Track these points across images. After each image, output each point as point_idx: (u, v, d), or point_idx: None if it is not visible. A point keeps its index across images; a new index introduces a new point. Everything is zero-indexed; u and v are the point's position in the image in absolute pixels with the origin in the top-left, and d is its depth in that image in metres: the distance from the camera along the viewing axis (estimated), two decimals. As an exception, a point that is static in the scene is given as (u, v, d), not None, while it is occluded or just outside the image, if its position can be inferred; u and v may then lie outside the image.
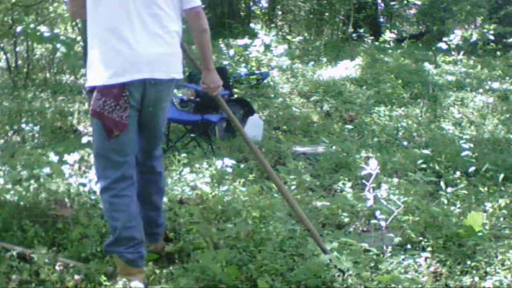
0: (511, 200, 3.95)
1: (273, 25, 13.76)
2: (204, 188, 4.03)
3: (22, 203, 3.52)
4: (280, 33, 12.30)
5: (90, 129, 5.63)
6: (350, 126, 6.69)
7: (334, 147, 5.60)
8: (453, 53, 10.23)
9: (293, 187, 4.33)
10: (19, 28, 3.78)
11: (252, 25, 11.65)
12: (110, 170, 2.67)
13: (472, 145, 4.76)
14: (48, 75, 8.76)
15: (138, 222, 2.70)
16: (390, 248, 3.17)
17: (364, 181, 3.50)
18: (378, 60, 10.03)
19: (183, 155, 4.83)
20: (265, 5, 15.65)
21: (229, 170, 4.39)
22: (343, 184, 4.39)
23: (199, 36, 2.70)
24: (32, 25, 4.40)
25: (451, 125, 6.68)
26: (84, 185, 3.83)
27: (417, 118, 7.01)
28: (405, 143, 5.98)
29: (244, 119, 6.31)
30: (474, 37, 10.02)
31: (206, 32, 2.71)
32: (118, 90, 2.54)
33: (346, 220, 3.72)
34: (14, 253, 2.93)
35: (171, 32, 2.61)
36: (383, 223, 3.26)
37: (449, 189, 3.95)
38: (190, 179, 4.24)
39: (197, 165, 4.58)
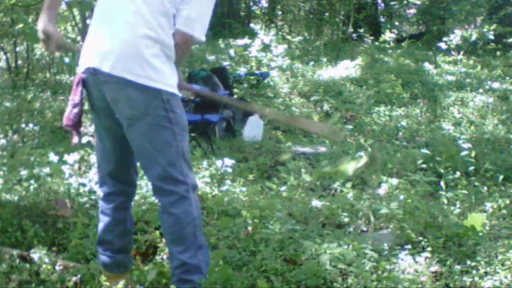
0: (511, 200, 3.95)
1: (273, 25, 13.77)
2: (204, 188, 4.03)
3: (22, 203, 3.52)
4: (280, 33, 12.30)
5: (90, 129, 5.63)
6: (350, 126, 6.70)
7: (334, 147, 5.60)
8: (453, 53, 10.24)
9: (293, 187, 4.33)
10: (17, 27, 3.77)
11: (252, 25, 11.66)
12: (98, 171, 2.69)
13: (472, 145, 4.77)
14: (48, 75, 8.76)
15: (118, 228, 2.65)
16: (390, 248, 3.17)
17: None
18: (378, 60, 10.03)
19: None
20: (265, 5, 15.66)
21: (229, 170, 4.39)
22: (343, 184, 4.39)
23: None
24: (31, 25, 4.40)
25: (451, 125, 6.68)
26: (84, 185, 3.83)
27: (417, 118, 7.02)
28: (405, 143, 5.98)
29: (244, 119, 6.32)
30: (474, 37, 10.03)
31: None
32: (76, 82, 2.45)
33: (346, 220, 3.72)
34: (14, 253, 2.93)
35: (138, 34, 2.35)
36: (383, 223, 3.27)
37: (449, 189, 3.95)
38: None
39: (197, 165, 4.57)
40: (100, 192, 2.71)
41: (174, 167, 2.41)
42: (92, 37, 2.48)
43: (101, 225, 2.68)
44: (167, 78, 2.41)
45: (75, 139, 2.53)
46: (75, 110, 2.45)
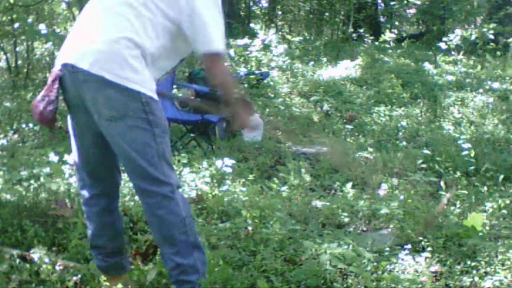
0: (511, 200, 3.95)
1: (273, 25, 13.77)
2: (204, 188, 4.03)
3: (22, 203, 3.52)
4: (280, 33, 12.30)
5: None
6: (350, 126, 6.69)
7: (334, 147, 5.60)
8: (453, 53, 10.24)
9: (293, 187, 4.33)
10: (17, 25, 3.77)
11: (252, 25, 11.66)
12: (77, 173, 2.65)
13: (472, 145, 4.77)
14: (48, 75, 8.75)
15: (107, 232, 2.61)
16: (390, 248, 3.17)
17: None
18: (378, 60, 10.03)
19: (183, 155, 4.83)
20: (265, 5, 15.65)
21: (229, 170, 4.39)
22: (343, 184, 4.39)
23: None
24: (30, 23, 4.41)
25: (451, 125, 6.68)
26: (84, 185, 3.82)
27: (417, 118, 7.02)
28: (405, 143, 5.98)
29: (244, 119, 6.31)
30: (474, 37, 10.03)
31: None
32: (52, 78, 2.40)
33: (346, 220, 3.72)
34: (14, 253, 2.93)
35: (120, 35, 2.32)
36: (383, 223, 3.27)
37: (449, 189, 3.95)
38: (190, 179, 4.23)
39: (197, 165, 4.57)
40: (81, 197, 2.65)
41: (156, 168, 2.38)
42: (74, 34, 2.45)
43: (89, 231, 2.64)
44: (146, 81, 2.36)
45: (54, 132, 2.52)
46: (50, 107, 2.39)
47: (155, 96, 2.40)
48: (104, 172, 2.56)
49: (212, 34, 2.39)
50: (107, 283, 2.65)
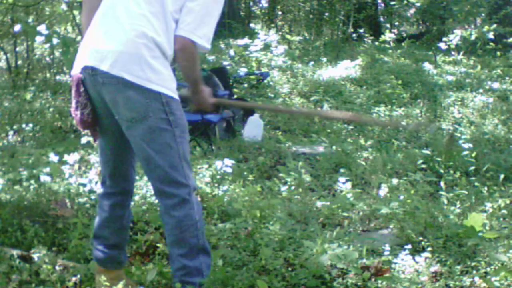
0: (511, 200, 3.95)
1: (273, 25, 13.77)
2: (204, 188, 4.03)
3: (22, 203, 3.52)
4: (280, 33, 12.30)
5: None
6: (350, 126, 6.69)
7: (334, 147, 5.60)
8: (453, 53, 10.24)
9: (293, 187, 4.33)
10: (17, 27, 3.78)
11: (252, 25, 11.66)
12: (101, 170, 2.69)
13: (472, 145, 4.77)
14: (48, 75, 8.76)
15: (114, 225, 2.64)
16: (390, 248, 3.17)
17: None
18: (378, 60, 10.04)
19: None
20: (265, 5, 15.66)
21: (229, 170, 4.39)
22: (343, 184, 4.39)
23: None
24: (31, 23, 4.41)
25: (451, 125, 6.68)
26: (84, 185, 3.83)
27: (417, 118, 7.02)
28: (405, 143, 5.98)
29: (244, 119, 6.31)
30: (474, 37, 10.04)
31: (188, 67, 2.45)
32: (75, 83, 2.43)
33: (346, 220, 3.72)
34: (14, 253, 2.93)
35: (140, 35, 2.33)
36: (383, 223, 3.27)
37: (449, 189, 3.95)
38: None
39: (197, 165, 4.57)
40: (100, 190, 2.70)
41: (176, 169, 2.40)
42: (92, 35, 2.46)
43: (97, 220, 2.67)
44: (166, 81, 2.38)
45: (96, 137, 2.56)
46: (86, 111, 2.43)
47: (176, 96, 2.42)
48: (123, 173, 2.60)
49: (206, 27, 2.39)
50: (107, 283, 2.65)
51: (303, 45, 11.63)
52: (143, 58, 2.32)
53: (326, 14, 13.72)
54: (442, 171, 4.71)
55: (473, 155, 4.68)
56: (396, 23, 14.82)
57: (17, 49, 8.60)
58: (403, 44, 11.08)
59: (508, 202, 3.87)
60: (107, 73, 2.33)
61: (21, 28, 3.76)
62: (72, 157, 4.17)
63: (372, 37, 11.68)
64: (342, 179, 4.36)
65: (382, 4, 14.75)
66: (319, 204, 3.97)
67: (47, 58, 8.85)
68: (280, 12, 15.60)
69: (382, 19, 14.98)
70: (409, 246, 3.17)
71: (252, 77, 8.15)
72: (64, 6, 7.08)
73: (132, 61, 2.32)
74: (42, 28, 3.79)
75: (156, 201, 3.72)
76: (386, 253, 3.10)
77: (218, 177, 4.30)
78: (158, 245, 3.14)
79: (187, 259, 2.44)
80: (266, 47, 9.57)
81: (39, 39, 3.80)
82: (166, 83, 2.38)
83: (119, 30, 2.37)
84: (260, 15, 15.55)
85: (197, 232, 2.44)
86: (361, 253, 3.08)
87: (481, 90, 8.14)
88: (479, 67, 9.63)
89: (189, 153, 2.49)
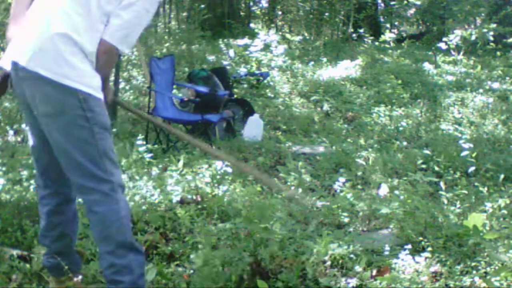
0: (511, 200, 3.95)
1: (273, 25, 13.77)
2: (204, 188, 4.03)
3: (22, 203, 3.52)
4: (280, 33, 12.31)
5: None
6: (350, 126, 6.70)
7: (334, 147, 5.60)
8: (453, 53, 10.25)
9: (293, 187, 4.33)
10: None
11: (252, 25, 11.66)
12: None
13: (472, 145, 4.77)
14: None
15: (53, 233, 2.59)
16: (390, 248, 3.17)
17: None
18: (378, 60, 10.04)
19: (183, 155, 4.83)
20: (265, 5, 15.66)
21: (229, 170, 4.39)
22: (343, 184, 4.39)
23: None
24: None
25: (451, 125, 6.68)
26: (84, 185, 3.81)
27: (417, 118, 7.02)
28: (405, 143, 5.99)
29: (244, 119, 6.32)
30: (474, 37, 10.04)
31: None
32: (2, 76, 2.43)
33: (346, 220, 3.72)
34: (14, 253, 2.93)
35: (59, 32, 2.29)
36: (383, 223, 3.27)
37: (449, 189, 3.95)
38: (190, 179, 4.23)
39: (197, 165, 4.57)
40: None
41: (97, 165, 2.35)
42: (19, 32, 2.44)
43: (40, 227, 2.63)
44: (85, 77, 2.32)
45: None
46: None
47: (96, 93, 2.36)
48: (55, 171, 2.53)
49: (130, 34, 2.38)
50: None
51: (303, 45, 11.63)
52: (60, 54, 2.28)
53: (326, 14, 13.72)
54: (442, 171, 4.71)
55: (473, 155, 4.68)
56: (396, 23, 14.83)
57: (17, 49, 8.60)
58: (403, 44, 11.08)
59: (508, 202, 3.87)
60: (24, 68, 2.31)
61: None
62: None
63: (372, 37, 11.68)
64: (342, 179, 4.37)
65: (382, 4, 14.74)
66: (319, 204, 3.97)
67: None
68: (280, 12, 15.60)
69: (382, 19, 14.97)
70: (409, 246, 3.17)
71: (252, 77, 8.15)
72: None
73: (48, 57, 2.28)
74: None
75: (156, 201, 3.73)
76: (386, 253, 3.11)
77: (218, 177, 4.30)
78: (158, 245, 3.14)
79: (115, 257, 2.37)
80: (266, 47, 9.57)
81: None
82: (84, 80, 2.32)
83: (40, 26, 2.34)
84: (260, 15, 15.54)
85: (123, 229, 2.38)
86: (361, 253, 3.08)
87: (481, 90, 8.14)
88: (479, 67, 9.63)
89: (113, 150, 2.43)
